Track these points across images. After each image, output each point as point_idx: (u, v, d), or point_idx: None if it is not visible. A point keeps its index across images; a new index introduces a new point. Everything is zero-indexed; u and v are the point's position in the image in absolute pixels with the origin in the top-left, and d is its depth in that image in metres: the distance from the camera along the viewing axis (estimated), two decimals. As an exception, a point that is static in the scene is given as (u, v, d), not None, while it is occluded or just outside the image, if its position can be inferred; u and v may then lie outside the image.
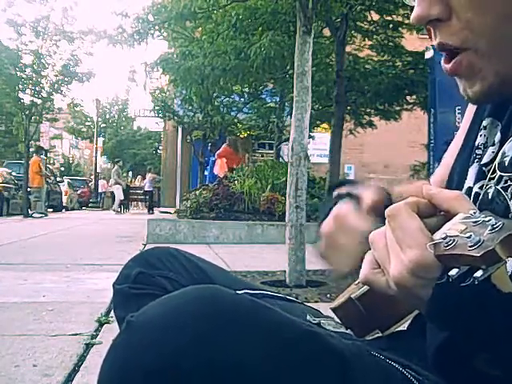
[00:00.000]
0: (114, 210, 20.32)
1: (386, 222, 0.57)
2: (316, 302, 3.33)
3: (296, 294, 3.50)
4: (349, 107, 9.50)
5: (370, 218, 0.75)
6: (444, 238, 0.50)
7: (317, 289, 3.73)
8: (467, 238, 0.48)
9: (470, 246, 0.47)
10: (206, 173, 13.88)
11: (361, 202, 0.78)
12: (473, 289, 0.49)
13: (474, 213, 0.51)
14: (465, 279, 0.49)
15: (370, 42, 9.40)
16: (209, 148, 14.96)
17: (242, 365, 0.50)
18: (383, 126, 10.62)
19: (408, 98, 9.67)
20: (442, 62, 0.66)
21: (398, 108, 10.04)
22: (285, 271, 3.90)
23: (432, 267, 0.51)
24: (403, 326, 0.80)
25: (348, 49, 8.71)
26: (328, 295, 3.49)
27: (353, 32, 8.96)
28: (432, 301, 0.52)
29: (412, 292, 0.54)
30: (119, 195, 20.59)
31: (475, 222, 0.49)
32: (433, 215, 0.56)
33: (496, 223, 0.48)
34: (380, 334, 0.76)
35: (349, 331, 0.77)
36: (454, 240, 0.49)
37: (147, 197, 21.12)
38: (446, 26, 0.63)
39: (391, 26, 8.76)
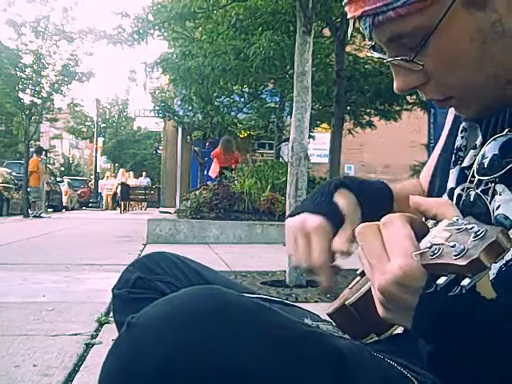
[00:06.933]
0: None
1: (377, 227, 0.56)
2: (316, 302, 3.33)
3: (296, 294, 3.50)
4: (349, 107, 9.50)
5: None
6: (430, 247, 0.50)
7: (317, 289, 3.73)
8: (452, 246, 0.49)
9: (455, 255, 0.48)
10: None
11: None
12: (459, 297, 0.49)
13: (457, 219, 0.52)
14: (451, 288, 0.49)
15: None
16: (207, 146, 15.06)
17: (243, 363, 0.51)
18: (383, 126, 10.62)
19: (408, 98, 9.66)
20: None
21: (397, 108, 10.03)
22: (285, 271, 3.90)
23: (418, 276, 0.51)
24: (400, 329, 0.80)
25: (348, 49, 8.70)
26: (328, 295, 3.49)
27: (353, 32, 8.96)
28: (419, 310, 0.52)
29: (397, 302, 0.54)
30: None
31: (459, 229, 0.50)
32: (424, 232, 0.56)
33: (479, 230, 0.48)
34: (376, 338, 0.76)
35: (346, 335, 0.77)
36: (439, 249, 0.50)
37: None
38: (428, 86, 0.70)
39: (391, 25, 8.75)
